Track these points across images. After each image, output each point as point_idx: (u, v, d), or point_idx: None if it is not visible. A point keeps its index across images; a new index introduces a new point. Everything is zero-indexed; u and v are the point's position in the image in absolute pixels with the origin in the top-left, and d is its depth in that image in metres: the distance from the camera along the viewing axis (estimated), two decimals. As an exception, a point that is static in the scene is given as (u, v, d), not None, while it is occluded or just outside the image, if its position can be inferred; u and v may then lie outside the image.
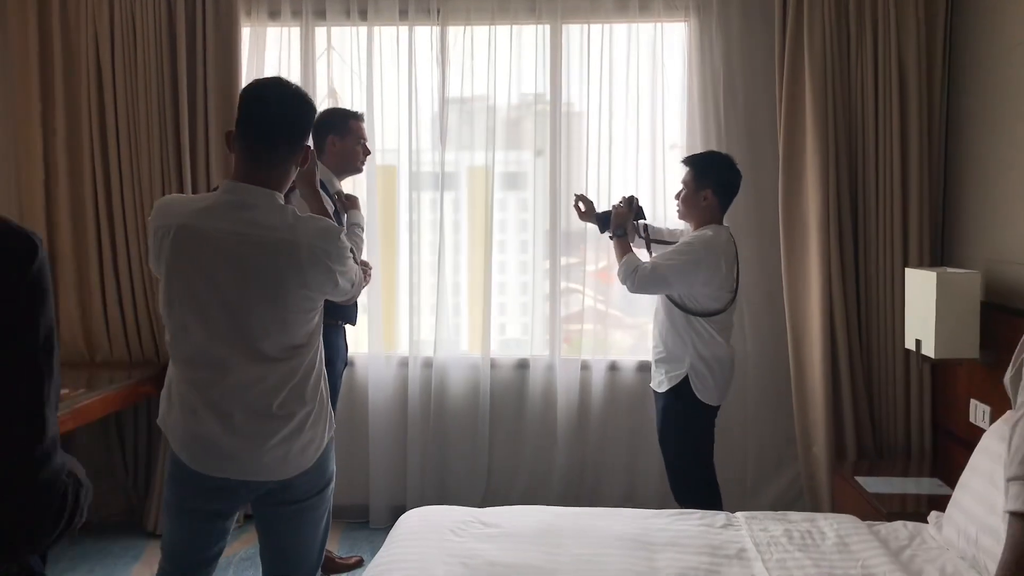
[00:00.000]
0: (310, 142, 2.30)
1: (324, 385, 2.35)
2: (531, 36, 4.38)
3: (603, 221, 3.75)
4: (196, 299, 2.19)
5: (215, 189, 2.41)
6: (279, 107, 2.19)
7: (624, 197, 3.66)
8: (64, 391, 3.67)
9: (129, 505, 4.49)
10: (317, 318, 2.31)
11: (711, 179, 3.50)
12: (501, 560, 2.51)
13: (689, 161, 3.59)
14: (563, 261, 4.43)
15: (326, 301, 2.34)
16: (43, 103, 4.31)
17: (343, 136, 3.63)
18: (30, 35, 4.27)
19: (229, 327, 2.18)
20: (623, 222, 3.61)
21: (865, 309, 4.04)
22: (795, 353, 4.11)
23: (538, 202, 4.45)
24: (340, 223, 3.18)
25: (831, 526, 2.80)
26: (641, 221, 3.73)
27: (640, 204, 3.69)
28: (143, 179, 4.29)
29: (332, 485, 2.46)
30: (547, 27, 4.36)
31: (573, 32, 4.38)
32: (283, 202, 2.22)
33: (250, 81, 2.37)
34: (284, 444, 2.23)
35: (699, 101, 4.26)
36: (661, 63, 4.32)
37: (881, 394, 4.01)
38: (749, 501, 4.25)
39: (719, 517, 2.91)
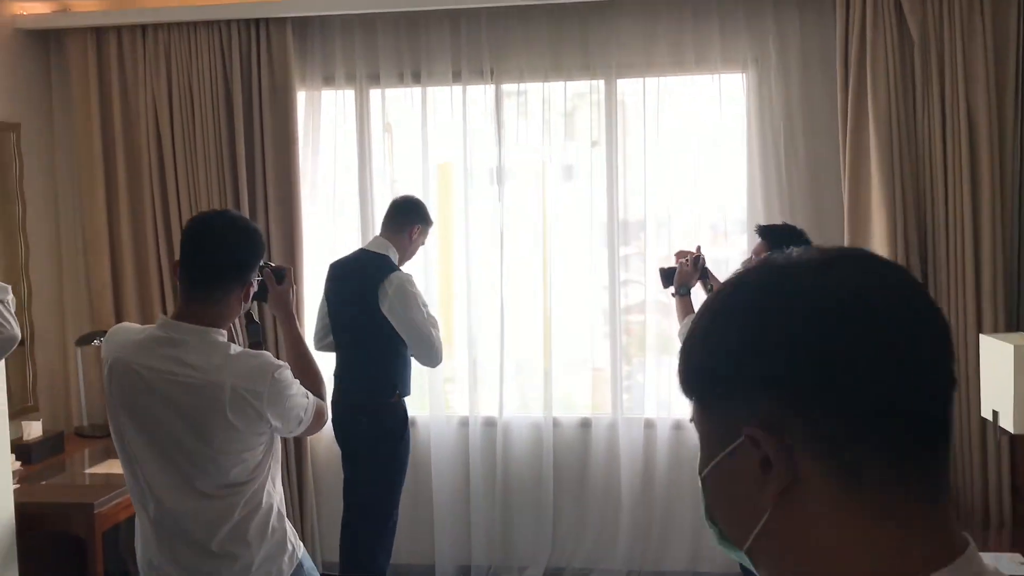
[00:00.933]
0: (253, 279, 2.24)
1: (277, 521, 2.25)
2: (585, 91, 4.33)
3: (666, 277, 3.68)
4: (131, 432, 2.16)
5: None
6: (214, 251, 2.16)
7: (690, 255, 3.59)
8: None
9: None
10: (259, 455, 2.19)
11: None
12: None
13: (764, 232, 3.46)
14: (623, 320, 4.38)
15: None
16: (106, 176, 4.40)
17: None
18: (92, 107, 4.36)
19: (163, 462, 2.14)
20: (687, 280, 3.56)
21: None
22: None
23: (598, 268, 4.40)
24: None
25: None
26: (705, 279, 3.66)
27: (705, 261, 3.62)
28: (205, 249, 4.34)
29: None
30: (601, 82, 4.31)
31: (628, 86, 4.32)
32: (220, 338, 2.15)
33: (194, 216, 2.38)
34: None
35: (759, 154, 4.17)
36: (719, 115, 4.24)
37: (956, 459, 3.88)
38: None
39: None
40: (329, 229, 4.47)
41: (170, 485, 2.15)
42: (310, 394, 2.30)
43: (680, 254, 3.63)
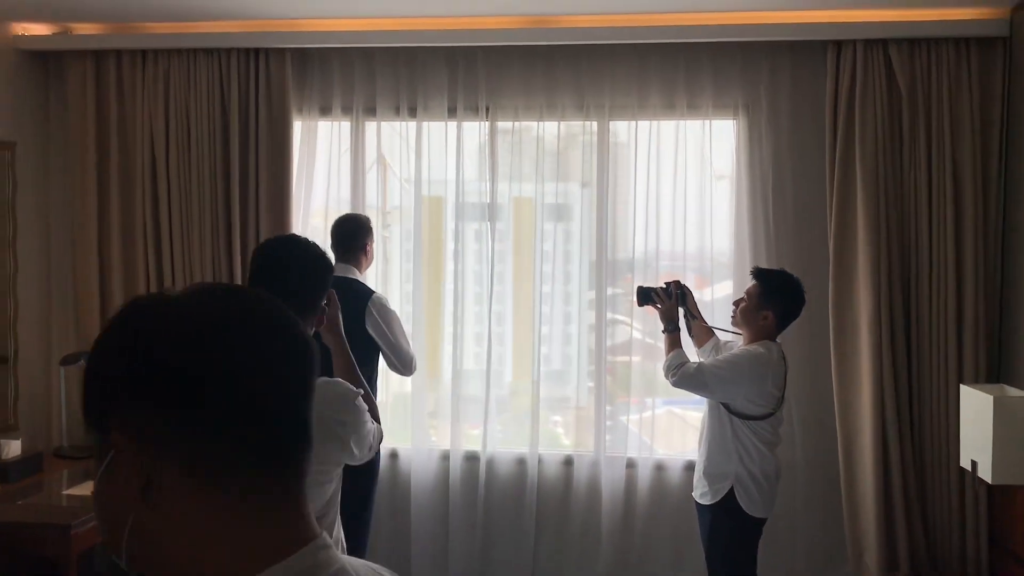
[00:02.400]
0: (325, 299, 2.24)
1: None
2: (579, 132, 4.39)
3: (642, 295, 3.69)
4: None
5: None
6: (293, 279, 2.13)
7: (664, 286, 3.63)
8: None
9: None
10: (334, 486, 2.22)
11: (776, 302, 3.44)
12: None
13: (760, 276, 3.52)
14: (608, 360, 4.40)
15: None
16: (99, 199, 4.41)
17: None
18: (88, 129, 4.38)
19: None
20: (671, 316, 3.59)
21: (919, 417, 3.95)
22: (846, 459, 4.03)
23: (583, 321, 4.43)
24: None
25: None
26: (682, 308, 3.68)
27: (681, 288, 3.64)
28: (195, 275, 4.35)
29: None
30: (594, 123, 4.36)
31: (620, 128, 4.38)
32: None
33: (266, 242, 2.36)
34: None
35: (747, 199, 4.22)
36: (709, 159, 4.29)
37: (935, 506, 3.91)
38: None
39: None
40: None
41: None
42: (372, 420, 2.30)
43: (670, 284, 3.67)
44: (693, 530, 4.10)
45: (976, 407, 3.36)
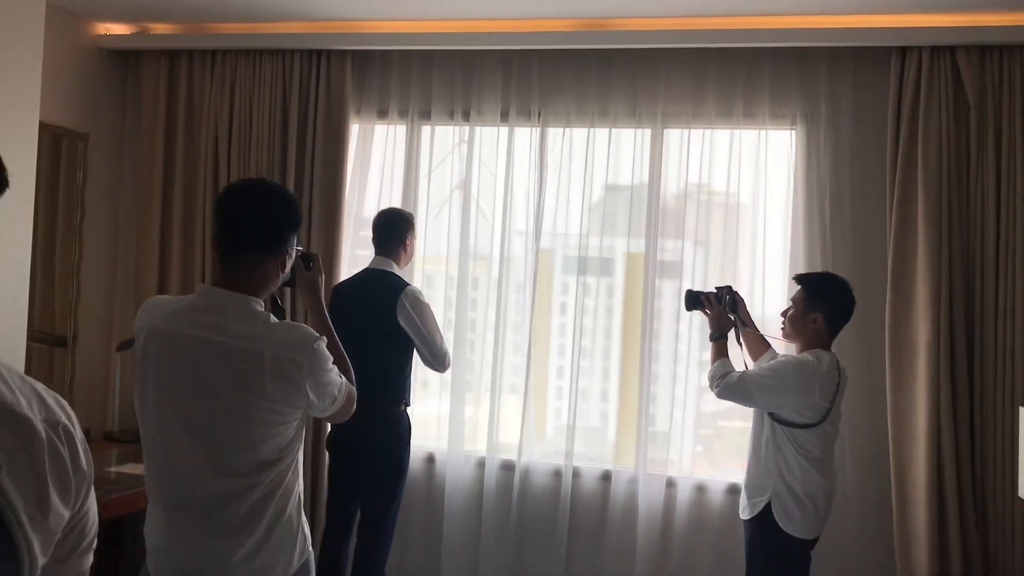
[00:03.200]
0: (292, 248, 2.19)
1: (295, 511, 2.18)
2: (630, 139, 4.31)
3: (691, 300, 3.57)
4: (161, 405, 2.09)
5: None
6: (249, 214, 2.11)
7: (715, 291, 3.51)
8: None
9: None
10: (291, 433, 2.12)
11: (823, 303, 3.26)
12: None
13: (802, 280, 3.37)
14: (651, 371, 4.25)
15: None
16: (164, 193, 4.59)
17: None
18: (158, 124, 4.57)
19: (191, 436, 2.06)
20: (721, 323, 3.45)
21: (980, 446, 3.67)
22: (898, 488, 3.77)
23: (616, 301, 4.32)
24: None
25: None
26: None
27: (732, 295, 3.50)
28: (249, 270, 4.44)
29: None
30: (647, 131, 4.29)
31: (673, 136, 4.28)
32: (259, 307, 2.11)
33: (227, 184, 2.36)
34: (243, 564, 2.08)
35: (803, 212, 4.05)
36: (764, 171, 4.15)
37: (996, 542, 3.60)
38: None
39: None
40: (368, 256, 4.51)
41: (194, 461, 2.06)
42: (343, 375, 2.26)
43: (721, 289, 3.54)
44: (734, 554, 3.91)
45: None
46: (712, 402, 3.96)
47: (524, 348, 4.35)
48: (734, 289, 3.55)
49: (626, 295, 4.35)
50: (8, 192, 1.13)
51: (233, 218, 2.11)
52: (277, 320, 2.14)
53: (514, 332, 4.42)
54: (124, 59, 4.71)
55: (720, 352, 3.39)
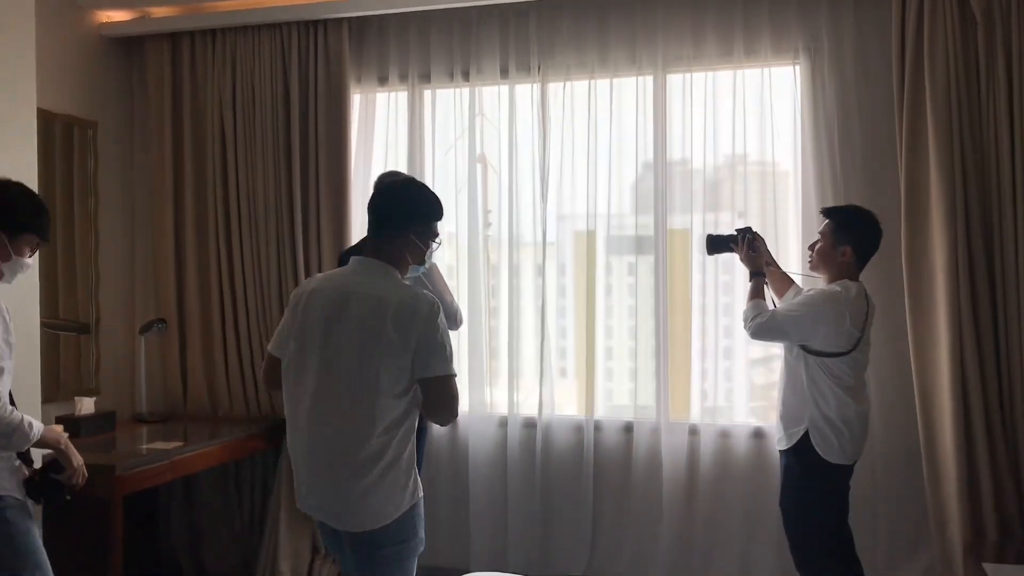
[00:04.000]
0: (422, 240, 2.56)
1: (409, 456, 2.46)
2: (632, 89, 4.25)
3: (712, 244, 3.58)
4: (311, 348, 2.46)
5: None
6: (385, 202, 2.59)
7: (735, 232, 3.50)
8: (170, 446, 3.86)
9: (244, 558, 4.61)
10: (406, 380, 2.42)
11: (853, 235, 3.26)
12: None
13: (831, 213, 3.36)
14: (669, 321, 4.21)
15: None
16: (175, 174, 4.63)
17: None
18: (164, 107, 4.61)
19: (332, 377, 2.42)
20: (756, 262, 3.45)
21: (1007, 370, 3.57)
22: (924, 419, 3.69)
23: (644, 265, 4.27)
24: None
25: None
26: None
27: (752, 234, 3.48)
28: (261, 247, 4.47)
29: (414, 545, 2.50)
30: (649, 78, 4.23)
31: (675, 82, 4.21)
32: (397, 274, 2.53)
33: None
34: (365, 498, 2.39)
35: (812, 147, 3.98)
36: (770, 109, 4.07)
37: (1025, 461, 3.51)
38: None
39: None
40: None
41: (325, 402, 2.43)
42: (452, 370, 2.49)
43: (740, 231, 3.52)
44: (761, 498, 3.89)
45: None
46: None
47: (538, 316, 4.34)
48: (753, 230, 3.51)
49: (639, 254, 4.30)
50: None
51: (377, 199, 2.61)
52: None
53: (531, 296, 4.41)
54: (127, 46, 4.75)
55: (757, 291, 3.38)
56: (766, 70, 4.07)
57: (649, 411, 4.20)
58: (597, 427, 4.25)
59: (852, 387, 3.20)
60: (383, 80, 4.54)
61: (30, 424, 2.54)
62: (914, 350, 3.71)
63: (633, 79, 4.24)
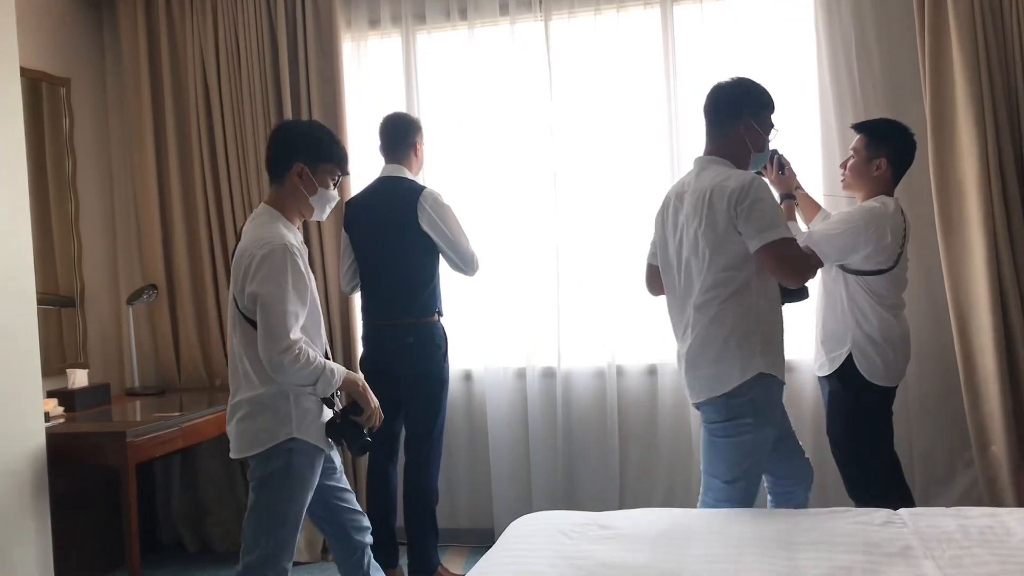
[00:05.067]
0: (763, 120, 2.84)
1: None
2: (640, 21, 4.10)
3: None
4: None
5: None
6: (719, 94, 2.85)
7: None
8: (175, 414, 3.63)
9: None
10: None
11: (887, 147, 3.12)
12: (616, 561, 2.19)
13: (863, 127, 3.21)
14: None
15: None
16: (155, 131, 4.36)
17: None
18: (141, 62, 4.34)
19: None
20: (787, 184, 3.28)
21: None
22: (961, 339, 3.61)
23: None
24: None
25: (1019, 520, 2.33)
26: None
27: (779, 158, 3.29)
28: (253, 204, 4.23)
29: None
30: (656, 9, 4.08)
31: (684, 13, 4.07)
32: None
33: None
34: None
35: (830, 70, 3.88)
36: (786, 35, 3.95)
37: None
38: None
39: (878, 514, 2.48)
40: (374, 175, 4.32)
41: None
42: None
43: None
44: (799, 418, 3.75)
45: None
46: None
47: (553, 259, 4.18)
48: (780, 152, 3.37)
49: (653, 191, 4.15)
50: None
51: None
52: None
53: (538, 245, 4.24)
54: (96, 1, 4.46)
55: (789, 213, 3.22)
56: (779, -6, 3.95)
57: (673, 352, 4.06)
58: (620, 372, 4.10)
59: (894, 305, 3.10)
60: (374, 22, 4.33)
61: (332, 370, 2.53)
62: (947, 268, 3.63)
63: (640, 11, 4.09)
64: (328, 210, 2.74)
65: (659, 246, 2.94)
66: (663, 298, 4.06)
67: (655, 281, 3.05)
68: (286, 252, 2.48)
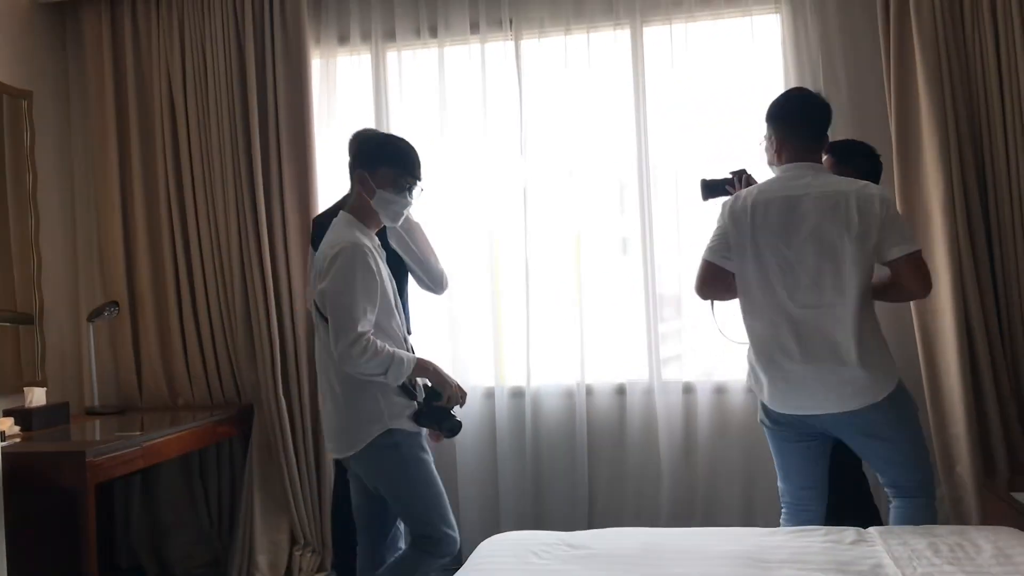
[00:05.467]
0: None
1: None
2: (610, 42, 4.13)
3: (707, 188, 3.32)
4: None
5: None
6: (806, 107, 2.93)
7: (729, 176, 3.29)
8: (136, 433, 3.56)
9: (214, 556, 4.29)
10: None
11: (852, 167, 3.08)
12: (587, 581, 2.16)
13: (830, 148, 3.16)
14: (658, 277, 4.08)
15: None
16: (120, 146, 4.30)
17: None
18: (105, 76, 4.28)
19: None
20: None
21: (1005, 303, 3.56)
22: (927, 359, 3.64)
23: (630, 221, 4.14)
24: None
25: (987, 538, 2.34)
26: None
27: (746, 176, 3.24)
28: (219, 224, 4.19)
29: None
30: (627, 31, 4.11)
31: (653, 35, 4.10)
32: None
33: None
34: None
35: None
36: (753, 60, 3.99)
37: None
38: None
39: (848, 533, 2.48)
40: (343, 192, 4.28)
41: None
42: None
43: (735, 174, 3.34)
44: (760, 454, 3.77)
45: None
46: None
47: (522, 278, 4.16)
48: (747, 171, 3.38)
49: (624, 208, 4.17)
50: None
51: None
52: None
53: (509, 263, 4.23)
54: (62, 10, 4.40)
55: None
56: (748, 19, 3.99)
57: (641, 372, 4.07)
58: (589, 391, 4.09)
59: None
60: (343, 39, 4.31)
61: (401, 358, 2.61)
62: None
63: (610, 33, 4.11)
64: (398, 214, 2.82)
65: (748, 251, 2.80)
66: (630, 318, 4.10)
67: (719, 283, 2.90)
68: (355, 250, 2.59)
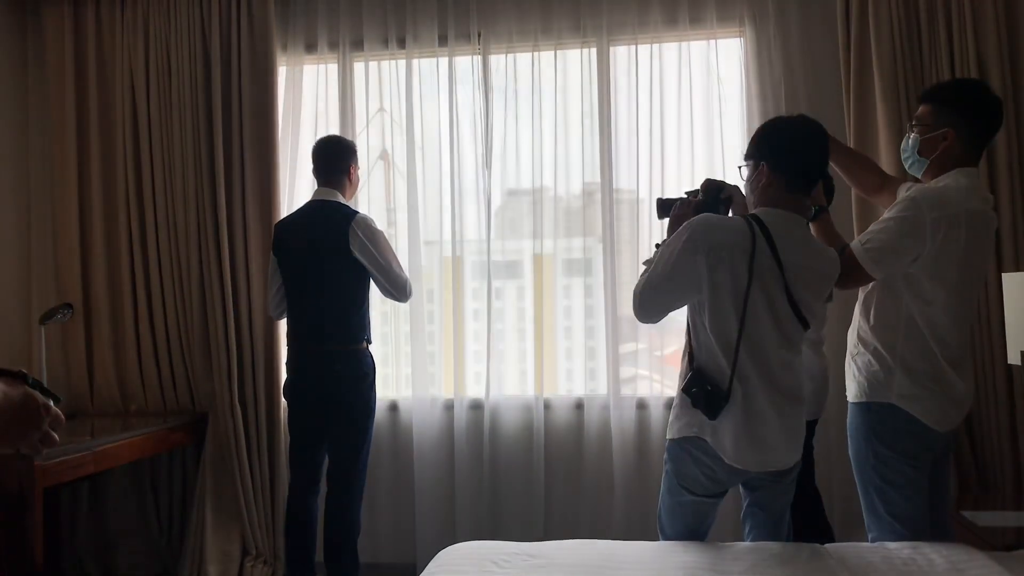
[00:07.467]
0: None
1: None
2: (576, 60, 4.16)
3: (663, 208, 3.31)
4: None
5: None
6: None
7: (684, 197, 3.29)
8: (86, 438, 3.49)
9: (163, 566, 4.21)
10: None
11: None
12: (547, 590, 2.15)
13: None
14: (631, 347, 4.11)
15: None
16: (79, 148, 4.24)
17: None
18: (66, 76, 4.23)
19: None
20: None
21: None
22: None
23: (591, 239, 4.17)
24: None
25: (940, 553, 2.37)
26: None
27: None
28: (179, 229, 4.15)
29: None
30: (593, 50, 4.15)
31: (620, 54, 4.15)
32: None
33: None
34: None
35: (760, 118, 3.97)
36: (717, 80, 4.05)
37: (982, 416, 3.55)
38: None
39: (804, 548, 2.50)
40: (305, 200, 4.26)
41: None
42: None
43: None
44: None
45: (1019, 293, 3.04)
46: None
47: (484, 291, 4.16)
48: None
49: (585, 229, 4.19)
50: None
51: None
52: None
53: (472, 278, 4.24)
54: (22, 7, 4.34)
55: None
56: (712, 42, 4.05)
57: (600, 387, 4.09)
58: (547, 405, 4.10)
59: (814, 341, 3.12)
60: (311, 47, 4.29)
61: None
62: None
63: (577, 51, 4.15)
64: None
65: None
66: (589, 334, 4.12)
67: None
68: None
